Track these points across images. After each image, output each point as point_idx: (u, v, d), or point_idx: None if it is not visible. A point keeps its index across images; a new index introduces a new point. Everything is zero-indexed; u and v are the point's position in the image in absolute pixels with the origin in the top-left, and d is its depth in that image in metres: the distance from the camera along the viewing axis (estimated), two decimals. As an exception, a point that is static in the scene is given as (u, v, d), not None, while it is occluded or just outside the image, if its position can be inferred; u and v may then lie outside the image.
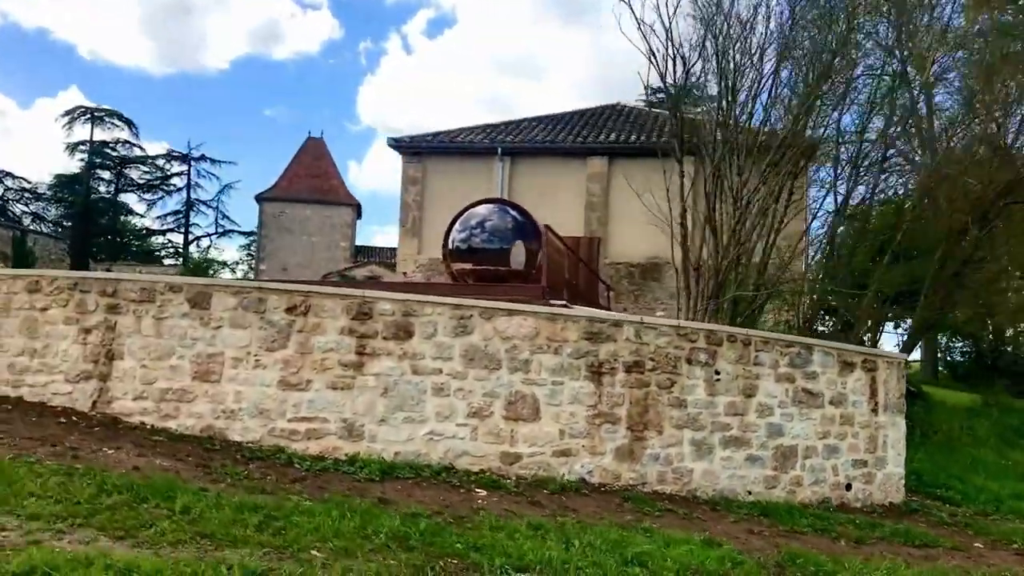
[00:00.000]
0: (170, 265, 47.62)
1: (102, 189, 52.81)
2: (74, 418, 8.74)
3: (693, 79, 15.47)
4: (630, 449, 8.98)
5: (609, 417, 8.95)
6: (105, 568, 4.57)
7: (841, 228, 18.52)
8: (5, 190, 50.90)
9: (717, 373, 9.36)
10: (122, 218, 53.84)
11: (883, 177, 18.99)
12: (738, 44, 15.25)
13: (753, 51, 15.41)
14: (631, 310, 19.24)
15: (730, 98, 15.30)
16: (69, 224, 49.47)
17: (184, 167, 53.57)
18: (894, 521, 9.45)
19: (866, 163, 17.85)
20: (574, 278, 14.29)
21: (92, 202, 50.55)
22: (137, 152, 53.24)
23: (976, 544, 8.99)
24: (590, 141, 21.58)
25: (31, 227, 45.09)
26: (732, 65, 15.07)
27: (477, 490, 7.92)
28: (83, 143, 51.01)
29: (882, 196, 19.20)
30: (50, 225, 50.12)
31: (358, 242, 44.52)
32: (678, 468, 9.13)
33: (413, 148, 22.17)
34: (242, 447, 8.46)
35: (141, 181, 53.95)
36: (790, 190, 15.43)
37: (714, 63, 15.26)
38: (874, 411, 10.51)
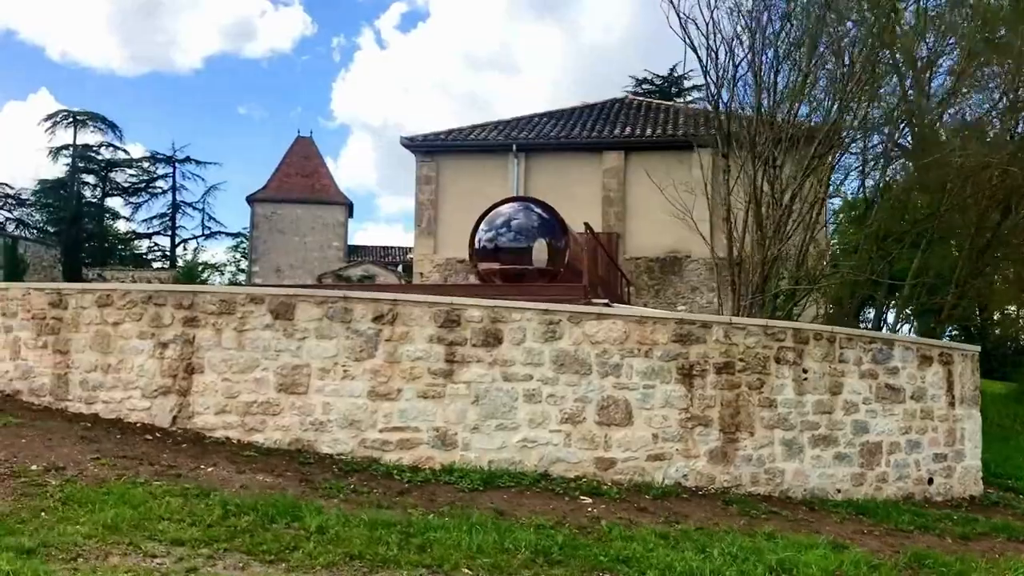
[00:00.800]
0: (159, 268, 46.65)
1: (87, 193, 51.80)
2: (157, 435, 8.58)
3: (740, 71, 15.33)
4: (723, 451, 8.86)
5: (701, 420, 8.82)
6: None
7: (873, 216, 18.38)
8: (-12, 196, 49.34)
9: (804, 372, 9.25)
10: (106, 222, 52.85)
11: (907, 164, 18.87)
12: (780, 36, 15.15)
13: (792, 44, 15.33)
14: (651, 304, 19.11)
15: (772, 91, 15.18)
16: (55, 230, 48.16)
17: (169, 169, 52.73)
18: (984, 515, 9.38)
19: (895, 151, 17.77)
20: (600, 274, 14.10)
21: (80, 207, 49.53)
22: (122, 156, 52.26)
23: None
24: (605, 135, 21.33)
25: (16, 233, 43.65)
26: (776, 55, 14.96)
27: (582, 498, 7.78)
28: (66, 147, 49.70)
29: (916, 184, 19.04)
30: (34, 231, 48.75)
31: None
32: (770, 469, 9.01)
33: (426, 147, 21.80)
34: (334, 459, 8.31)
35: (126, 185, 53.01)
36: (827, 182, 15.32)
37: (756, 56, 15.13)
38: (951, 404, 10.43)
